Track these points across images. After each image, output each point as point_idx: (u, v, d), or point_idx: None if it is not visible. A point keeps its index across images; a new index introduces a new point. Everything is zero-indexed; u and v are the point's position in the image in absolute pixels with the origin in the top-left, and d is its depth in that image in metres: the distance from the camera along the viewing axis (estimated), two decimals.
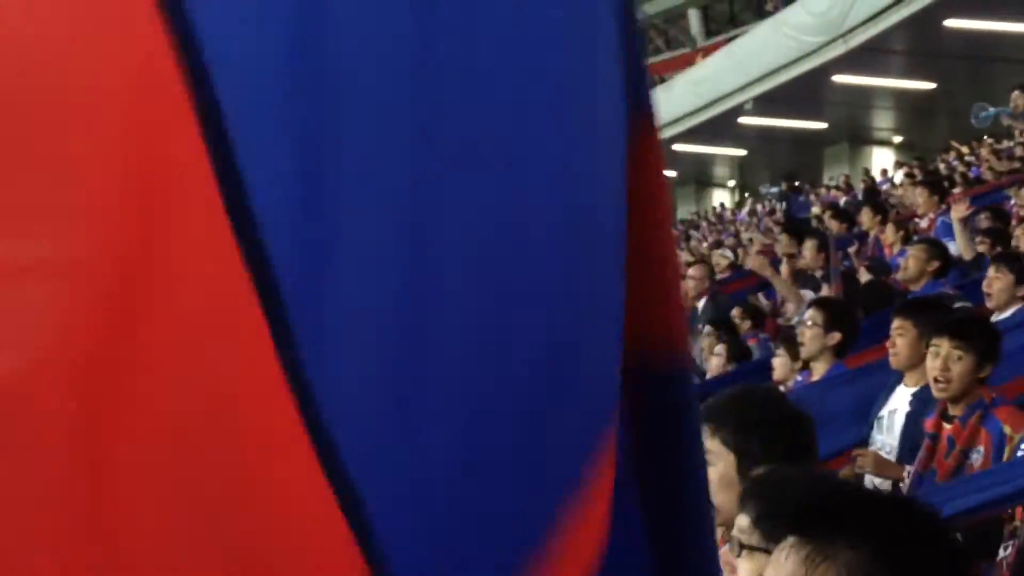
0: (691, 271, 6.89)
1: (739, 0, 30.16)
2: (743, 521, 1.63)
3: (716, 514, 1.82)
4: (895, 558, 1.01)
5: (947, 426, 2.91)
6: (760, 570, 1.56)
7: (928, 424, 3.00)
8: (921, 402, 3.21)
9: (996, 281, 4.20)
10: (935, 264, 4.71)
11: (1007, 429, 2.76)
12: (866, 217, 7.25)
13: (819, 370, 3.85)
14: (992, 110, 8.47)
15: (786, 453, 1.85)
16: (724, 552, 1.67)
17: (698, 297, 6.66)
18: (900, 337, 3.32)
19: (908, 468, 3.06)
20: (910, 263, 4.78)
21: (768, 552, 1.50)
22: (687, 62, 26.75)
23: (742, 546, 1.60)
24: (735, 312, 6.17)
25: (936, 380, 2.94)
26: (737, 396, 1.96)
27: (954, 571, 1.05)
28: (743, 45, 19.12)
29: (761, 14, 25.37)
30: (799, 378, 4.07)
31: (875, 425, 3.35)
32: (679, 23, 31.89)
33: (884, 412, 3.35)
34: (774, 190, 9.84)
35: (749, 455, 1.83)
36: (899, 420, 3.27)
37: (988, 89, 16.54)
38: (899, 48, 15.52)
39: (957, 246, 5.69)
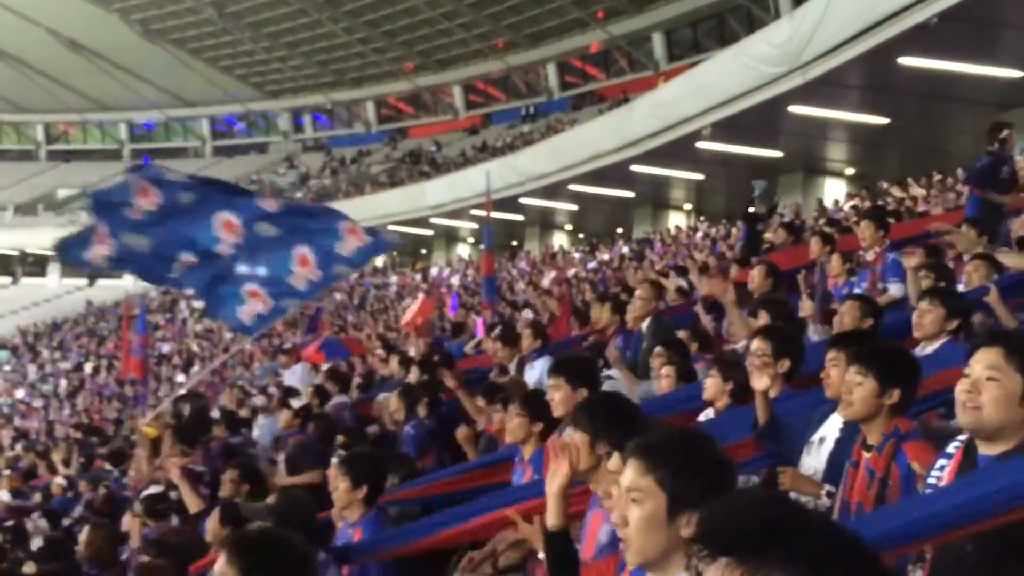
0: (639, 291, 6.90)
1: (703, 26, 30.60)
2: (631, 474, 1.81)
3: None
4: None
5: (866, 455, 2.94)
6: (650, 514, 1.76)
7: (853, 450, 3.05)
8: (852, 430, 3.25)
9: (927, 313, 4.29)
10: (869, 322, 4.76)
11: (915, 466, 2.77)
12: (815, 246, 7.32)
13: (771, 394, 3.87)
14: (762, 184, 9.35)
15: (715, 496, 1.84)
16: (616, 506, 1.84)
17: (643, 317, 6.66)
18: (834, 368, 3.38)
19: (827, 487, 3.13)
20: (845, 320, 4.82)
21: (657, 497, 1.75)
22: (649, 85, 27.04)
23: (637, 495, 1.80)
24: (683, 334, 6.21)
25: (841, 399, 3.03)
26: (678, 437, 1.94)
27: None
28: (704, 71, 19.36)
29: (723, 42, 25.73)
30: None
31: (805, 449, 3.41)
32: (643, 46, 32.25)
33: (815, 438, 3.40)
34: (761, 182, 9.89)
35: (682, 498, 1.79)
36: (828, 447, 3.33)
37: (939, 126, 16.98)
38: (854, 82, 15.82)
39: (904, 289, 5.79)
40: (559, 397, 3.96)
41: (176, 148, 45.70)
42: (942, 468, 2.52)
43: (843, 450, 3.21)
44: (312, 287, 5.95)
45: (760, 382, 3.59)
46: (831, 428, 3.36)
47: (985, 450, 2.41)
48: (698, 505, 1.69)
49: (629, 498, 1.82)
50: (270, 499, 4.27)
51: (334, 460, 4.92)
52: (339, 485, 4.05)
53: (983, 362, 2.39)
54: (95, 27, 38.92)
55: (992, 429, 2.37)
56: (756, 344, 3.90)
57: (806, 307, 5.83)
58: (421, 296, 12.80)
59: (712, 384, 4.26)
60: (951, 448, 2.54)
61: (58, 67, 41.68)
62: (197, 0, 37.10)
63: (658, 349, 5.49)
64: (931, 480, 2.54)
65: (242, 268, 5.71)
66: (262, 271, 5.76)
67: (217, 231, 5.78)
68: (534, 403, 4.12)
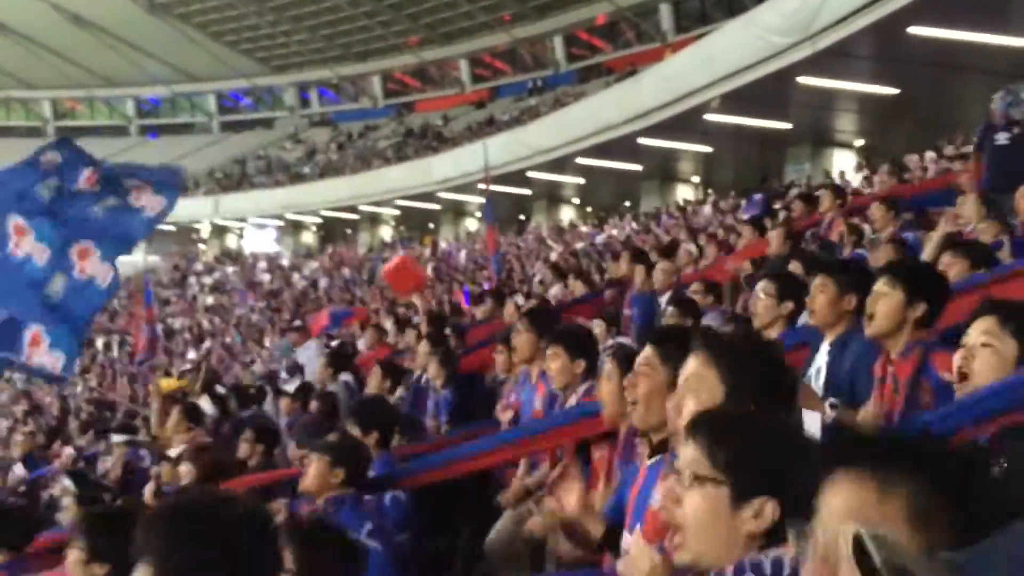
0: (660, 265, 6.94)
1: None
2: (692, 452, 1.57)
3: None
4: (950, 493, 1.09)
5: (891, 369, 2.94)
6: (711, 502, 1.53)
7: (876, 368, 3.05)
8: (838, 348, 3.31)
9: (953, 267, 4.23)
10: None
11: (946, 375, 2.71)
12: (826, 200, 7.40)
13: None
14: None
15: (772, 400, 1.86)
16: (670, 483, 1.61)
17: (664, 290, 6.72)
18: (821, 294, 3.38)
19: (830, 399, 3.11)
20: (881, 258, 4.85)
21: (718, 482, 1.53)
22: (656, 56, 26.85)
23: (696, 477, 1.55)
24: (695, 288, 6.25)
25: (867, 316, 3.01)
26: (743, 335, 1.91)
27: (998, 499, 1.12)
28: (712, 42, 19.21)
29: (731, 12, 25.50)
30: None
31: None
32: (651, 17, 31.97)
33: (811, 371, 3.43)
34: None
35: (738, 392, 1.80)
36: (822, 373, 3.36)
37: (949, 96, 16.84)
38: (864, 53, 15.69)
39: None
40: (557, 366, 4.02)
41: (183, 124, 45.65)
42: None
43: (836, 366, 3.26)
44: (109, 288, 5.71)
45: (759, 320, 3.67)
46: (821, 357, 3.41)
47: None
48: (755, 402, 1.59)
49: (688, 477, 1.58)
50: (331, 436, 4.34)
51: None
52: (351, 432, 4.15)
53: (979, 328, 2.41)
54: (100, 2, 38.76)
55: None
56: (761, 285, 3.94)
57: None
58: (397, 257, 12.80)
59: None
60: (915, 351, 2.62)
61: (64, 43, 41.57)
62: None
63: (671, 311, 5.57)
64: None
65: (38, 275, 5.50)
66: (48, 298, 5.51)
67: (10, 236, 5.55)
68: (539, 318, 4.13)
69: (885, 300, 2.93)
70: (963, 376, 2.42)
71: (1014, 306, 2.55)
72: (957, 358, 2.46)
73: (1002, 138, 7.54)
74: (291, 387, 7.56)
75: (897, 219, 6.52)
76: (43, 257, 5.62)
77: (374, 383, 7.40)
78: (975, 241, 4.78)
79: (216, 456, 4.98)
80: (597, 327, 6.14)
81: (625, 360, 3.42)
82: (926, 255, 5.48)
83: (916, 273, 3.05)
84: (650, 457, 2.43)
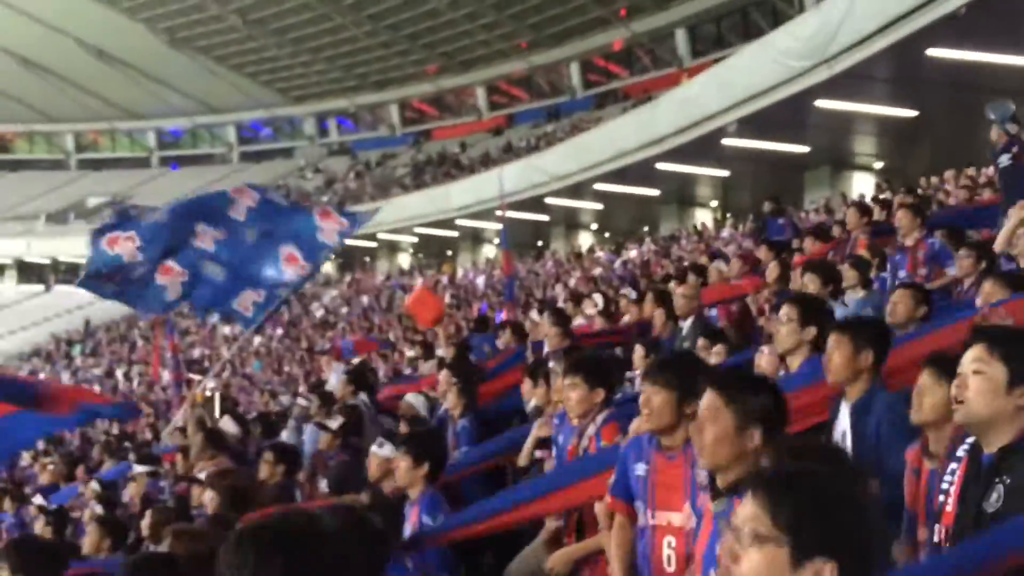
0: (680, 289, 6.88)
1: (726, 21, 30.42)
2: (752, 509, 1.53)
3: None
4: None
5: (927, 463, 2.89)
6: (770, 562, 1.49)
7: (909, 456, 3.00)
8: (860, 410, 3.28)
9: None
10: (922, 310, 4.73)
11: None
12: (852, 217, 7.35)
13: (794, 364, 3.87)
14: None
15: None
16: (729, 539, 1.56)
17: (686, 316, 6.66)
18: (836, 352, 3.34)
19: (873, 483, 3.05)
20: (899, 309, 4.78)
21: (778, 541, 1.47)
22: (673, 81, 26.92)
23: (755, 535, 1.52)
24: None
25: (913, 407, 2.98)
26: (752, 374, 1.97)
27: None
28: (729, 67, 19.24)
29: (747, 36, 25.56)
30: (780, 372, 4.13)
31: None
32: (666, 42, 32.11)
33: (837, 433, 3.39)
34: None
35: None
36: (848, 437, 3.33)
37: (969, 117, 16.74)
38: (882, 75, 15.66)
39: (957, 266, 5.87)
40: (576, 396, 3.98)
41: (203, 155, 46.13)
42: (953, 472, 2.51)
43: (860, 430, 3.23)
44: (301, 278, 6.80)
45: (782, 346, 3.63)
46: (844, 419, 3.36)
47: (987, 449, 2.39)
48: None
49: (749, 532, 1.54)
50: (363, 496, 4.42)
51: (375, 448, 4.98)
52: (401, 464, 4.14)
53: (969, 357, 2.42)
54: (122, 36, 39.38)
55: (981, 421, 2.36)
56: (784, 309, 3.90)
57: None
58: (417, 289, 12.88)
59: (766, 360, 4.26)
60: (960, 451, 2.52)
61: (87, 77, 42.21)
62: (222, 7, 37.42)
63: (701, 342, 5.55)
64: (944, 486, 2.53)
65: (227, 264, 6.56)
66: (247, 271, 6.61)
67: (192, 239, 6.61)
68: (590, 368, 4.11)
69: (932, 396, 2.92)
70: (959, 402, 2.42)
71: (1001, 331, 2.58)
72: (953, 387, 2.46)
73: (1004, 160, 7.49)
74: (334, 424, 7.55)
75: (923, 226, 6.48)
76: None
77: (339, 389, 7.69)
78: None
79: (239, 482, 4.95)
80: (637, 352, 6.07)
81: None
82: (1000, 240, 5.42)
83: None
84: (714, 499, 2.42)
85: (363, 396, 8.07)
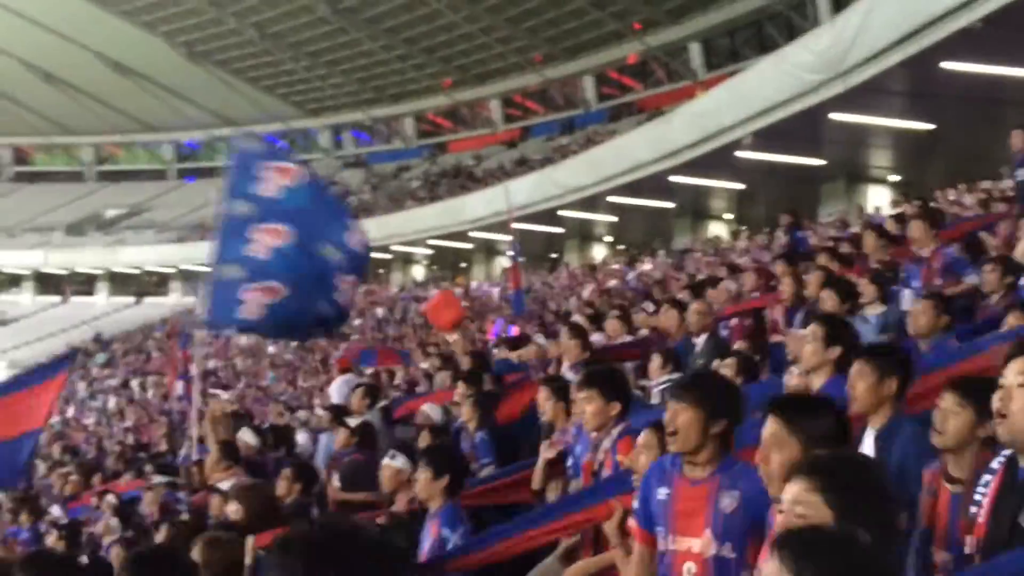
0: (693, 306, 6.88)
1: (740, 35, 30.44)
2: (777, 569, 1.53)
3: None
4: None
5: (949, 486, 2.87)
6: None
7: (926, 477, 2.99)
8: (884, 439, 3.25)
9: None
10: (944, 320, 4.73)
11: None
12: (870, 240, 7.29)
13: (816, 383, 3.87)
14: None
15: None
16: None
17: (699, 332, 6.66)
18: (860, 381, 3.32)
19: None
20: (920, 320, 4.77)
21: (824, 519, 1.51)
22: (687, 95, 26.94)
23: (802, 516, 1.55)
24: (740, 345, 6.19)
25: (933, 429, 2.96)
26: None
27: None
28: (743, 80, 19.24)
29: (762, 49, 25.56)
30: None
31: None
32: (680, 56, 32.15)
33: None
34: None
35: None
36: None
37: (985, 131, 16.68)
38: (897, 88, 15.62)
39: (978, 278, 5.85)
40: (592, 409, 3.98)
41: (220, 167, 46.41)
42: (986, 484, 2.49)
43: (885, 458, 3.19)
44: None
45: (805, 364, 3.62)
46: (867, 447, 3.32)
47: (1023, 462, 2.37)
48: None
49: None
50: (381, 519, 4.47)
51: (387, 460, 4.99)
52: (421, 476, 4.15)
53: (1014, 370, 2.38)
54: (141, 50, 39.75)
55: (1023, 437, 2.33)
56: (811, 328, 3.90)
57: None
58: (438, 293, 12.84)
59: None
60: (995, 464, 2.50)
61: (105, 90, 42.61)
62: (240, 21, 37.74)
63: (728, 361, 5.58)
64: (976, 497, 2.50)
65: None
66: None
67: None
68: (607, 382, 4.11)
69: (955, 419, 2.89)
70: (1002, 416, 2.38)
71: None
72: (995, 399, 2.43)
73: (1021, 174, 7.47)
74: (353, 422, 7.60)
75: (937, 237, 6.45)
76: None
77: (355, 401, 7.67)
78: None
79: (263, 495, 4.97)
80: (655, 361, 6.05)
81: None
82: (1019, 251, 5.41)
83: (988, 390, 3.00)
84: None
85: (377, 409, 8.09)
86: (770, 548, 1.58)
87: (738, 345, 6.24)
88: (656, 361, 6.03)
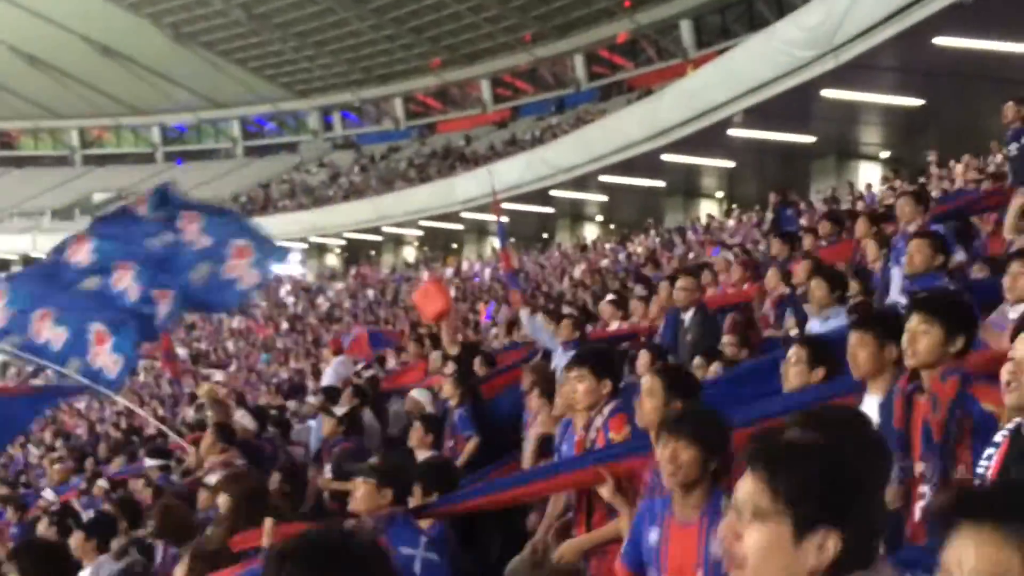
0: (680, 282, 6.89)
1: (731, 12, 30.31)
2: (752, 485, 1.51)
3: None
4: None
5: (922, 399, 2.95)
6: (772, 537, 1.47)
7: (900, 382, 3.06)
8: (888, 412, 3.25)
9: (1021, 276, 4.17)
10: (940, 258, 4.78)
11: (988, 407, 2.73)
12: (861, 227, 7.28)
13: None
14: None
15: None
16: (731, 517, 1.54)
17: (687, 307, 6.67)
18: (861, 350, 3.34)
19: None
20: (916, 259, 4.80)
21: (779, 515, 1.46)
22: (678, 73, 26.84)
23: (755, 511, 1.50)
24: (728, 340, 6.16)
25: (904, 350, 3.03)
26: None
27: None
28: (734, 57, 19.17)
29: (752, 27, 25.47)
30: None
31: None
32: (671, 34, 32.00)
33: None
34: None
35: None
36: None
37: (975, 107, 16.68)
38: (888, 64, 15.59)
39: (965, 254, 5.84)
40: (583, 388, 3.97)
41: (208, 150, 46.17)
42: (989, 457, 2.49)
43: (889, 425, 3.21)
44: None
45: (789, 385, 3.64)
46: (870, 412, 3.29)
47: None
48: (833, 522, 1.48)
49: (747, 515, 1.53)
50: (374, 459, 4.42)
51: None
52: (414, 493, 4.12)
53: None
54: (127, 32, 39.39)
55: None
56: (793, 350, 3.89)
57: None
58: (425, 282, 12.80)
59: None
60: (999, 437, 2.50)
61: (91, 73, 42.25)
62: (226, 2, 37.41)
63: (697, 361, 5.56)
64: (979, 470, 2.51)
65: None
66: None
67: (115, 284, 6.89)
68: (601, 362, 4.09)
69: (926, 339, 2.95)
70: (1011, 386, 2.42)
71: None
72: (1005, 372, 2.45)
73: (1013, 149, 7.45)
74: (340, 411, 7.59)
75: (925, 213, 6.45)
76: (134, 295, 6.92)
77: (346, 402, 7.69)
78: None
79: (251, 485, 4.96)
80: (643, 358, 6.05)
81: (667, 377, 3.43)
82: (1008, 224, 5.43)
83: (953, 308, 3.07)
84: None
85: (368, 412, 8.05)
86: (745, 463, 1.56)
87: (725, 339, 6.18)
88: (644, 358, 6.04)
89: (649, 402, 3.40)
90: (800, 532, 1.47)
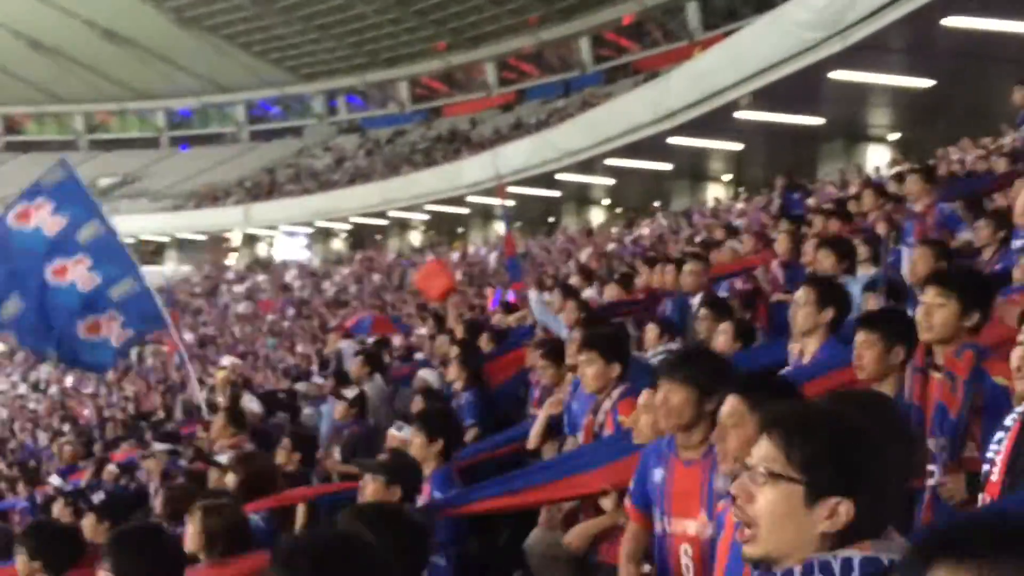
0: (688, 266, 6.86)
1: None
2: (767, 449, 1.55)
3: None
4: None
5: (935, 375, 2.93)
6: (785, 499, 1.51)
7: (917, 358, 3.05)
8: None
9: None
10: (943, 264, 4.73)
11: (1000, 380, 2.72)
12: (868, 199, 7.25)
13: (811, 347, 3.83)
14: None
15: None
16: (744, 479, 1.58)
17: (695, 292, 6.65)
18: (868, 351, 3.27)
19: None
20: (919, 266, 4.76)
21: (792, 480, 1.50)
22: (684, 55, 26.68)
23: (770, 474, 1.53)
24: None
25: (920, 324, 3.02)
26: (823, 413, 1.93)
27: None
28: (741, 39, 19.03)
29: (760, 8, 25.27)
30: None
31: None
32: (678, 16, 31.79)
33: None
34: None
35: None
36: None
37: (985, 87, 16.55)
38: (897, 45, 15.46)
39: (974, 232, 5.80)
40: (593, 371, 3.96)
41: (213, 134, 46.10)
42: (1000, 442, 2.45)
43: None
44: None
45: (799, 327, 3.62)
46: None
47: None
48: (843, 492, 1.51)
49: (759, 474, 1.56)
50: (382, 456, 4.41)
51: (393, 431, 4.99)
52: (415, 440, 4.13)
53: None
54: (131, 17, 39.27)
55: None
56: (801, 292, 3.87)
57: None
58: (427, 262, 12.78)
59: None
60: (1009, 420, 2.46)
61: (96, 58, 42.17)
62: None
63: (703, 312, 5.50)
64: (989, 455, 2.47)
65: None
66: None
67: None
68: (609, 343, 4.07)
69: (941, 312, 2.94)
70: (1019, 371, 2.42)
71: None
72: (1015, 357, 2.43)
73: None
74: (350, 393, 7.60)
75: (933, 192, 6.42)
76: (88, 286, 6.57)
77: (354, 369, 7.65)
78: None
79: (260, 465, 4.96)
80: (650, 332, 6.02)
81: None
82: (1017, 209, 5.38)
83: (969, 282, 3.06)
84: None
85: (378, 377, 8.08)
86: (761, 428, 1.59)
87: (721, 327, 6.16)
88: (652, 331, 6.00)
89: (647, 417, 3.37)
90: (812, 498, 1.51)
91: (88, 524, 5.36)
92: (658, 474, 2.96)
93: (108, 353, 6.74)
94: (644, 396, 3.51)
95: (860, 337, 3.29)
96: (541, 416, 4.95)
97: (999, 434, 2.47)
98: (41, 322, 6.51)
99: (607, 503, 3.61)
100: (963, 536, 1.09)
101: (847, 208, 8.33)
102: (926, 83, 16.69)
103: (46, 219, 6.54)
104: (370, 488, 3.80)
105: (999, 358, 2.75)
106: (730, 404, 2.37)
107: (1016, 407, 2.48)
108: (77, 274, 6.46)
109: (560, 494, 3.98)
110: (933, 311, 2.94)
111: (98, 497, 6.58)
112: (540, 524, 4.41)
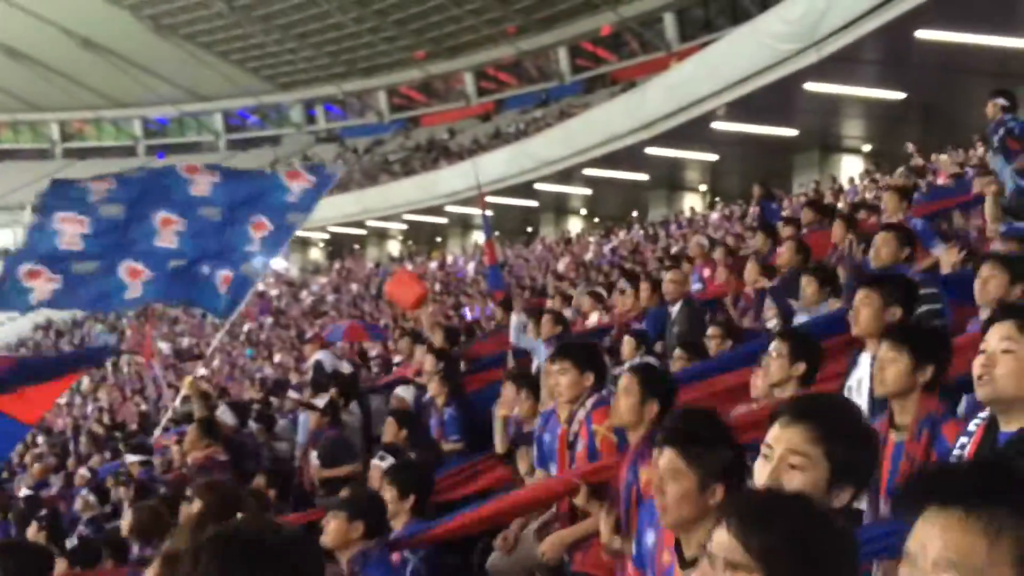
0: (669, 275, 6.90)
1: (714, 5, 30.34)
2: (725, 537, 1.50)
3: None
4: None
5: (894, 435, 2.91)
6: None
7: (881, 427, 3.01)
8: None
9: (991, 279, 3.91)
10: (906, 251, 4.82)
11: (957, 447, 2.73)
12: (838, 230, 7.24)
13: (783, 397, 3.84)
14: None
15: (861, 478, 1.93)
16: (704, 567, 1.54)
17: (674, 301, 6.68)
18: (865, 307, 3.43)
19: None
20: (882, 252, 4.82)
21: (750, 570, 1.44)
22: (661, 66, 26.85)
23: (728, 563, 1.49)
24: (713, 332, 6.14)
25: (875, 379, 3.02)
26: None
27: None
28: (717, 51, 19.20)
29: (736, 20, 25.49)
30: None
31: (846, 394, 3.49)
32: (655, 27, 32.01)
33: (852, 381, 3.51)
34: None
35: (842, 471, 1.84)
36: (865, 384, 3.40)
37: (957, 100, 16.78)
38: (871, 57, 15.65)
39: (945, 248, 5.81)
40: (566, 381, 3.97)
41: (190, 143, 45.85)
42: (963, 447, 2.49)
43: None
44: (272, 243, 6.46)
45: (771, 378, 3.66)
46: (864, 368, 3.43)
47: (1005, 427, 2.38)
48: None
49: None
50: (344, 492, 4.37)
51: (376, 461, 4.95)
52: (386, 495, 4.08)
53: (997, 335, 2.39)
54: (107, 24, 39.02)
55: (1008, 400, 2.34)
56: (774, 344, 3.87)
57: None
58: (396, 272, 12.74)
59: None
60: (972, 426, 2.51)
61: (72, 65, 41.84)
62: None
63: (712, 330, 5.60)
64: (952, 459, 2.51)
65: (191, 255, 6.35)
66: (213, 250, 6.32)
67: (157, 227, 6.30)
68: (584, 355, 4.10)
69: (893, 367, 2.92)
70: (982, 379, 2.40)
71: None
72: (977, 365, 2.42)
73: (995, 141, 7.49)
74: (320, 402, 7.56)
75: (908, 209, 6.48)
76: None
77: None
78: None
79: (225, 492, 4.91)
80: (627, 344, 6.05)
81: (643, 376, 3.41)
82: (988, 213, 5.44)
83: (921, 336, 3.03)
84: (683, 568, 2.32)
85: (354, 407, 8.00)
86: (720, 515, 1.55)
87: (711, 331, 6.18)
88: (628, 344, 6.04)
89: (624, 401, 3.40)
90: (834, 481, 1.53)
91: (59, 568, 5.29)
92: (650, 538, 2.92)
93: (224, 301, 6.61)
94: (624, 378, 3.54)
95: (859, 295, 3.47)
96: (497, 421, 4.98)
97: (962, 439, 2.51)
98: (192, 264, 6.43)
99: (580, 500, 3.61)
100: (954, 483, 1.10)
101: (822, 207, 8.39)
102: (899, 95, 16.90)
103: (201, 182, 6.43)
104: (332, 525, 3.73)
105: (953, 421, 2.79)
106: (667, 457, 2.35)
107: (979, 412, 2.51)
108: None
109: (527, 505, 3.98)
110: (886, 366, 2.93)
111: (71, 543, 6.53)
112: (496, 547, 4.40)
